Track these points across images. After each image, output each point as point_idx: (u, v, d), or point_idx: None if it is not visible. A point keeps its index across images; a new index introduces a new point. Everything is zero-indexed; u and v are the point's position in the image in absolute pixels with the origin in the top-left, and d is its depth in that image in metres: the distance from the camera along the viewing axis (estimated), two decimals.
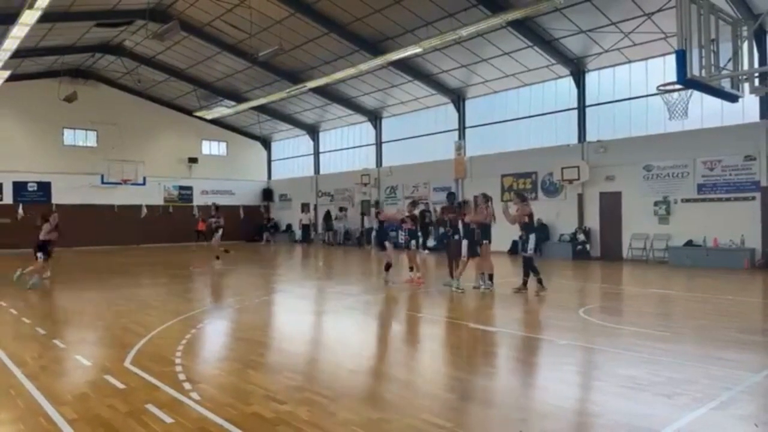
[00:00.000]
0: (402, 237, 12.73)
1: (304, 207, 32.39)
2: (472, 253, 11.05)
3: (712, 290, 12.01)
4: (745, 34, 8.98)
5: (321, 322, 9.26)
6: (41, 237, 12.59)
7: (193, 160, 32.21)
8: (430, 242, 21.72)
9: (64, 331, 7.99)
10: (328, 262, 20.72)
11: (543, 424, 4.32)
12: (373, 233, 14.05)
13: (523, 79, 21.40)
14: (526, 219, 10.99)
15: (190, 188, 32.31)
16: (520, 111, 22.31)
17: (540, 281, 10.89)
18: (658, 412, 4.48)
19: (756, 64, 12.16)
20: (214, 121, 31.76)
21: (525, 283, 10.92)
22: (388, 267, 12.55)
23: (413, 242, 12.96)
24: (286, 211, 34.38)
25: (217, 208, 18.71)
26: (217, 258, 17.41)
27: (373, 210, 13.68)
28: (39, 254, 12.60)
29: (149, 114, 30.44)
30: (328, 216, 29.96)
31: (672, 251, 17.49)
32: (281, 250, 26.72)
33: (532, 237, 10.96)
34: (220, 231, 17.90)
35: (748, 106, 15.09)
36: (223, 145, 34.09)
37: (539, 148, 21.39)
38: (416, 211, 13.30)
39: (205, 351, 7.04)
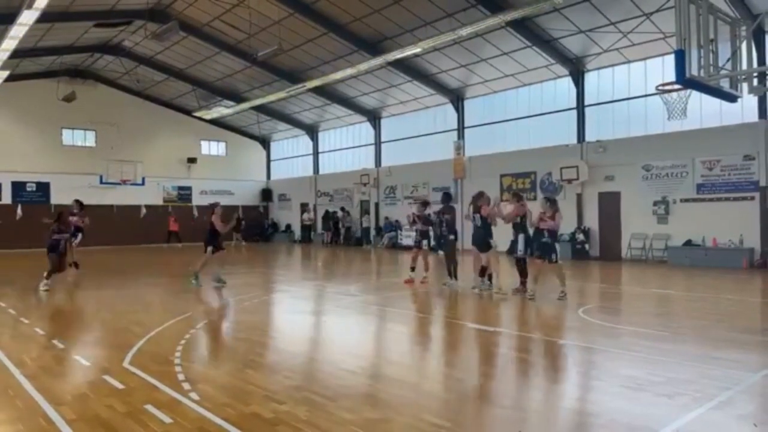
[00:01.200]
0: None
1: (304, 207, 32.38)
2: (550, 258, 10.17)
3: (711, 290, 12.01)
4: (743, 34, 9.00)
5: (320, 322, 9.25)
6: (219, 229, 12.46)
7: (192, 160, 32.19)
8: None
9: (63, 332, 7.98)
10: (327, 263, 20.71)
11: (543, 424, 4.32)
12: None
13: (522, 79, 21.40)
14: (518, 219, 10.93)
15: (189, 188, 32.31)
16: (519, 111, 22.32)
17: (523, 284, 10.86)
18: (657, 412, 4.48)
19: (755, 64, 12.19)
20: (213, 121, 31.75)
21: (523, 283, 10.93)
22: (484, 271, 11.02)
23: (424, 242, 12.86)
24: (286, 211, 34.38)
25: (82, 206, 14.96)
26: (76, 266, 14.16)
27: (470, 207, 11.36)
28: (209, 247, 12.43)
29: (148, 114, 30.42)
30: (327, 216, 29.96)
31: (671, 251, 17.51)
32: (266, 251, 26.69)
33: (521, 237, 10.90)
34: (80, 235, 14.66)
35: (747, 106, 15.10)
36: (222, 145, 34.09)
37: (538, 148, 21.39)
38: (427, 212, 13.21)
39: (205, 351, 7.04)
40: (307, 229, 31.39)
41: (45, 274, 11.72)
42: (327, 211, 30.18)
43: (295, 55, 22.37)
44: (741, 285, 12.83)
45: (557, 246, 10.22)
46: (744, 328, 7.89)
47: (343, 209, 29.46)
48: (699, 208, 17.24)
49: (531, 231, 10.57)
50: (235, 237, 28.52)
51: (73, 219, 14.20)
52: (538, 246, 10.30)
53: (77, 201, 15.39)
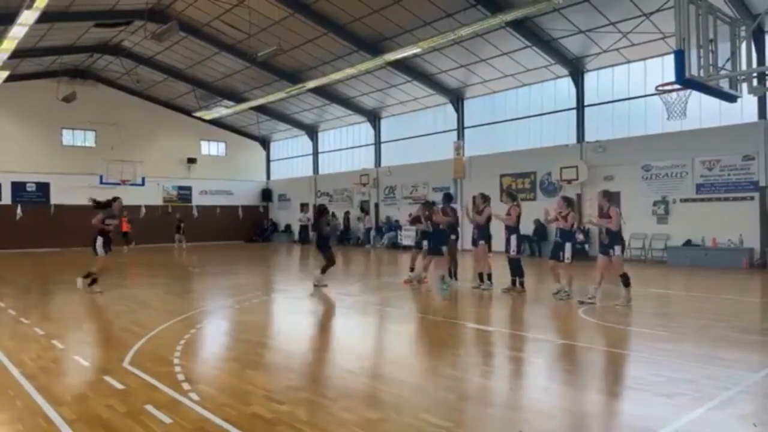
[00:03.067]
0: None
1: (303, 207, 32.32)
2: (555, 257, 10.17)
3: (711, 290, 12.02)
4: (743, 34, 9.01)
5: (320, 322, 9.25)
6: (442, 224, 11.72)
7: (192, 161, 32.19)
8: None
9: (63, 332, 7.97)
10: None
11: (543, 424, 4.32)
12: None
13: (521, 79, 21.41)
14: (514, 219, 10.93)
15: (189, 188, 32.31)
16: (518, 111, 22.33)
17: (521, 284, 10.89)
18: (657, 411, 4.48)
19: (754, 64, 12.20)
20: (213, 122, 31.75)
21: (513, 282, 10.96)
22: (628, 281, 9.57)
23: (425, 243, 12.82)
24: (285, 212, 34.37)
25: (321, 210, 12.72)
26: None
27: (601, 202, 10.01)
28: (442, 247, 11.78)
29: (148, 114, 30.43)
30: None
31: (671, 251, 17.50)
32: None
33: (514, 238, 10.90)
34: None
35: (747, 106, 15.09)
36: (222, 145, 34.08)
37: (538, 148, 21.41)
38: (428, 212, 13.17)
39: (204, 351, 7.04)
40: (304, 229, 31.20)
41: (320, 269, 11.81)
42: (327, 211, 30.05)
43: (295, 55, 22.37)
44: (741, 285, 12.83)
45: (568, 246, 10.19)
46: (744, 328, 7.89)
47: (363, 209, 29.05)
48: (699, 208, 17.24)
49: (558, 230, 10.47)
50: (177, 238, 27.35)
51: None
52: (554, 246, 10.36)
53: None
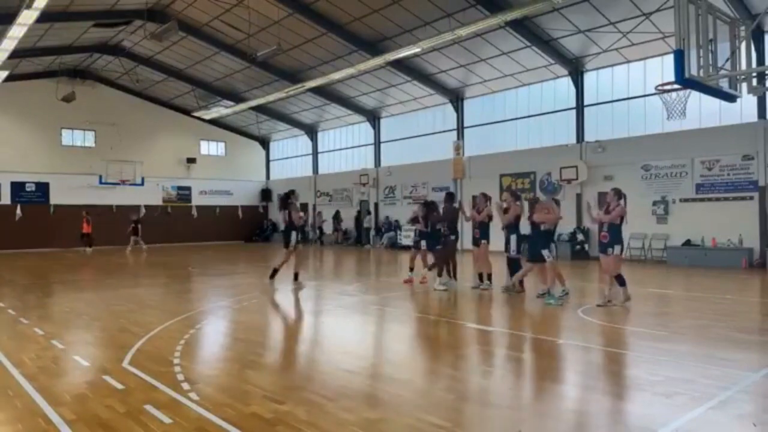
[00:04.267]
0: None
1: (302, 207, 32.28)
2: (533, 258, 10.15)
3: (711, 290, 12.02)
4: (743, 34, 9.03)
5: (319, 322, 9.25)
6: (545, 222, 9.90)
7: (191, 161, 32.19)
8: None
9: (63, 332, 7.97)
10: (325, 263, 20.68)
11: (542, 424, 4.32)
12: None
13: (521, 79, 21.41)
14: (512, 219, 10.95)
15: (188, 188, 32.30)
16: (518, 111, 22.34)
17: (521, 284, 10.89)
18: (656, 411, 4.48)
19: (754, 64, 12.22)
20: (213, 121, 31.75)
21: (513, 282, 10.96)
22: (623, 281, 9.46)
23: (423, 242, 12.80)
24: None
25: (451, 197, 12.45)
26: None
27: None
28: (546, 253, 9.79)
29: (147, 114, 30.43)
30: (336, 216, 29.84)
31: (670, 251, 17.51)
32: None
33: (513, 238, 10.91)
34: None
35: (746, 106, 15.11)
36: (222, 145, 34.08)
37: (538, 148, 21.41)
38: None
39: (204, 351, 7.03)
40: (301, 229, 31.01)
41: (436, 272, 11.63)
42: (337, 211, 29.95)
43: (295, 55, 22.37)
44: (740, 285, 12.83)
45: (550, 245, 10.18)
46: (743, 327, 7.89)
47: (369, 211, 28.87)
48: (698, 208, 17.25)
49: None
50: (132, 240, 25.30)
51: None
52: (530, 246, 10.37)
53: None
